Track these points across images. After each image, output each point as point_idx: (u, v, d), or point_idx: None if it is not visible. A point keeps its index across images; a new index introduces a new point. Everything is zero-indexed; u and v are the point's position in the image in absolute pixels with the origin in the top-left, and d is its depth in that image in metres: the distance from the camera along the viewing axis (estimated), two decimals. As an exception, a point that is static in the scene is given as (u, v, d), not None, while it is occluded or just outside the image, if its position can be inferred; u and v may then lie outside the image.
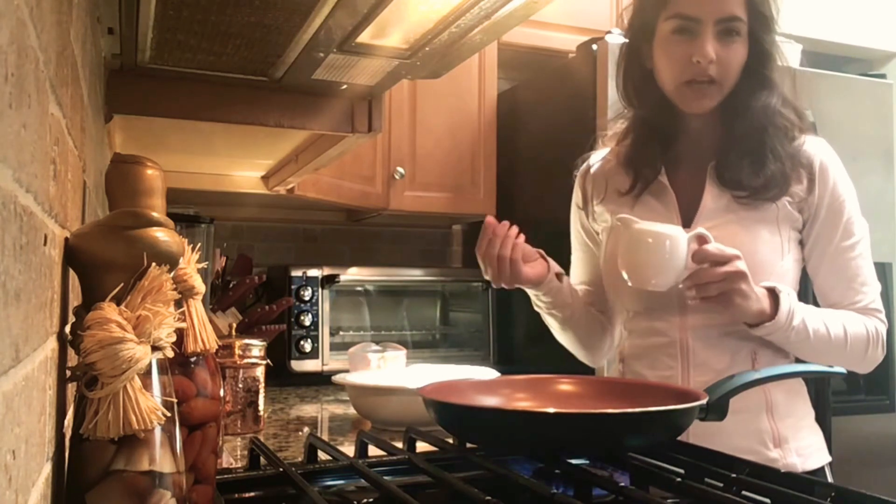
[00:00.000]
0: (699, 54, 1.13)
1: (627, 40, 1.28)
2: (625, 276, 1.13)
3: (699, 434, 1.01)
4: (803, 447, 1.20)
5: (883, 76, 2.55)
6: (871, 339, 1.18)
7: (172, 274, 0.53)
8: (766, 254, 1.17)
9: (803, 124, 1.22)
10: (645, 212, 1.23)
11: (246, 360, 1.43)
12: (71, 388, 0.58)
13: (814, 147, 1.22)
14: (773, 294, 1.12)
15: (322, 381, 2.07)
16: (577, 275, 1.41)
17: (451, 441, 0.96)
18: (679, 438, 0.90)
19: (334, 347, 2.20)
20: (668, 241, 1.09)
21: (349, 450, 0.94)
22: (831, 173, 1.20)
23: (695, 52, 1.14)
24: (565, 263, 1.38)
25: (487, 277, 1.22)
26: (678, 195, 1.23)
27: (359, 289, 2.36)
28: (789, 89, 1.22)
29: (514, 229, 1.21)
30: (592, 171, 1.36)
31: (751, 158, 1.18)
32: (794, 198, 1.19)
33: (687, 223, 1.20)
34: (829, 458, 1.24)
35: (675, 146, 1.26)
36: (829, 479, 1.22)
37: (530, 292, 1.30)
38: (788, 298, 1.12)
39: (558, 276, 1.28)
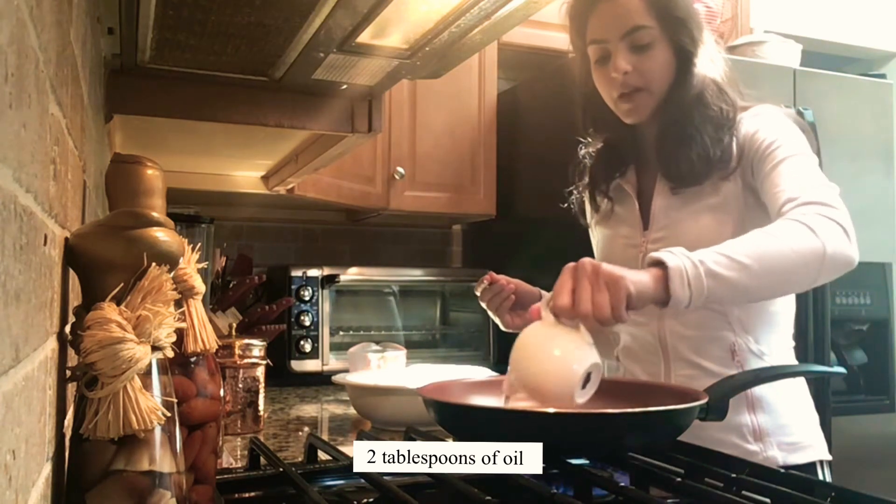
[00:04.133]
0: (613, 70, 1.21)
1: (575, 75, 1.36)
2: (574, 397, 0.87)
3: None
4: (786, 442, 1.20)
5: (883, 76, 2.55)
6: (807, 231, 1.00)
7: (172, 274, 0.53)
8: (718, 239, 1.05)
9: (735, 110, 1.22)
10: (616, 221, 1.33)
11: (246, 360, 1.43)
12: (71, 388, 0.58)
13: (742, 121, 1.21)
14: (657, 263, 0.97)
15: (322, 381, 2.07)
16: None
17: (451, 441, 0.96)
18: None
19: (334, 347, 2.20)
20: (534, 346, 0.91)
21: (349, 450, 0.94)
22: (752, 130, 1.19)
23: (611, 69, 1.22)
24: (565, 262, 1.37)
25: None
26: (641, 200, 1.30)
27: (359, 289, 2.36)
28: (722, 78, 1.25)
29: (505, 290, 1.27)
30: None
31: (680, 150, 1.21)
32: (729, 171, 1.19)
33: (647, 224, 1.27)
34: (823, 456, 1.24)
35: (639, 155, 1.32)
36: (821, 477, 1.23)
37: None
38: (668, 255, 0.96)
39: None
